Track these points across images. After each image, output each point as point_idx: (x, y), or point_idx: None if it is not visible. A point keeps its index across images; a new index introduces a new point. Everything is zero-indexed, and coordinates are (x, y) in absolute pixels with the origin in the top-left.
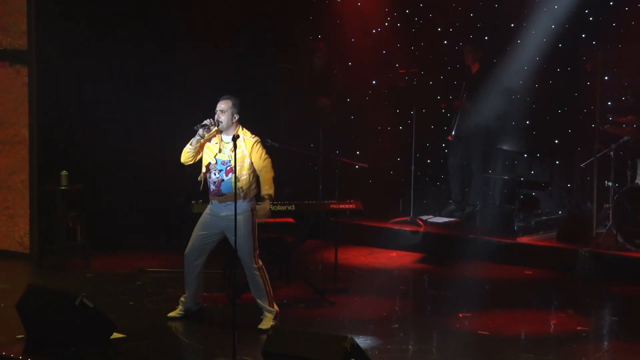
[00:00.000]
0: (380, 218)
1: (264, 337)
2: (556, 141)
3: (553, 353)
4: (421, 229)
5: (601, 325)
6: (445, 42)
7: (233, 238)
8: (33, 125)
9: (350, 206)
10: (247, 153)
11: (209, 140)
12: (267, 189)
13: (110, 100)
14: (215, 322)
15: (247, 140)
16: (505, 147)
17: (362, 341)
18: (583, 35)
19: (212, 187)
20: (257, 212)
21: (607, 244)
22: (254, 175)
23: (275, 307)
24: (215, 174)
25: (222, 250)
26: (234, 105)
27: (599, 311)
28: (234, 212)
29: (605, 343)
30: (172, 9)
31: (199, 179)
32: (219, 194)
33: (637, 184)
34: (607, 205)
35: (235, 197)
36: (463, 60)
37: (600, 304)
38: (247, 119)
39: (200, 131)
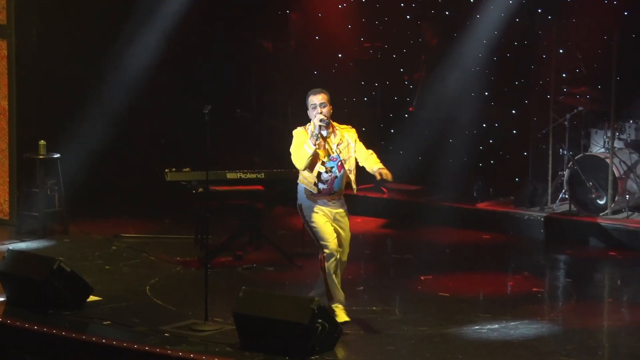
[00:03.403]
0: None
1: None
2: (513, 111)
3: (510, 313)
4: (385, 196)
5: (555, 286)
6: (408, 17)
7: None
8: (12, 97)
9: None
10: (352, 144)
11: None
12: (379, 165)
13: (86, 72)
14: (188, 285)
15: (349, 130)
16: (465, 117)
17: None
18: (539, 10)
19: (323, 186)
20: (384, 176)
21: (562, 210)
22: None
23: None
24: (327, 172)
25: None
26: (330, 97)
27: (554, 273)
28: (342, 210)
29: (560, 303)
30: None
31: (301, 180)
32: (331, 192)
33: (591, 152)
34: (562, 173)
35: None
36: (423, 35)
37: (555, 267)
38: (219, 91)
39: (317, 129)
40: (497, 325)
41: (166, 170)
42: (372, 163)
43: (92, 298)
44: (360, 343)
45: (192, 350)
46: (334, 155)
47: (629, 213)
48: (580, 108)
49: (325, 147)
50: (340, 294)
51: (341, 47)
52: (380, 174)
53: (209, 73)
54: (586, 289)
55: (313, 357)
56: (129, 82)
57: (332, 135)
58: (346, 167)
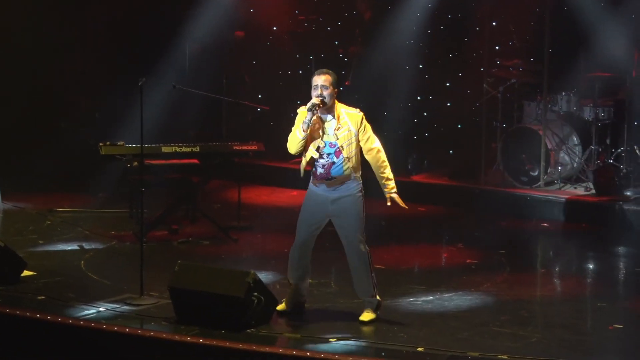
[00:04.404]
0: (281, 159)
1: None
2: (447, 84)
3: (444, 284)
4: None
5: (489, 258)
6: None
7: (340, 222)
8: None
9: (253, 147)
10: (353, 130)
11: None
12: (388, 179)
13: (19, 44)
14: (123, 259)
15: (352, 114)
16: (399, 90)
17: (264, 276)
18: None
19: (321, 170)
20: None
21: (495, 182)
22: (361, 152)
23: (378, 297)
24: (324, 157)
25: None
26: (334, 80)
27: (487, 245)
28: (345, 195)
29: (493, 274)
30: None
31: (303, 166)
32: (328, 178)
33: (523, 124)
34: (495, 145)
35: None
36: (357, 8)
37: (489, 238)
38: (154, 64)
39: (310, 114)
40: (431, 297)
41: (100, 144)
42: (379, 171)
43: (26, 273)
44: (296, 316)
45: (127, 325)
46: (332, 141)
47: (561, 184)
48: (513, 80)
49: (320, 131)
50: (292, 273)
51: (276, 20)
52: (392, 199)
53: (144, 46)
54: (519, 260)
55: (249, 330)
56: (64, 55)
57: (333, 119)
58: (344, 154)
